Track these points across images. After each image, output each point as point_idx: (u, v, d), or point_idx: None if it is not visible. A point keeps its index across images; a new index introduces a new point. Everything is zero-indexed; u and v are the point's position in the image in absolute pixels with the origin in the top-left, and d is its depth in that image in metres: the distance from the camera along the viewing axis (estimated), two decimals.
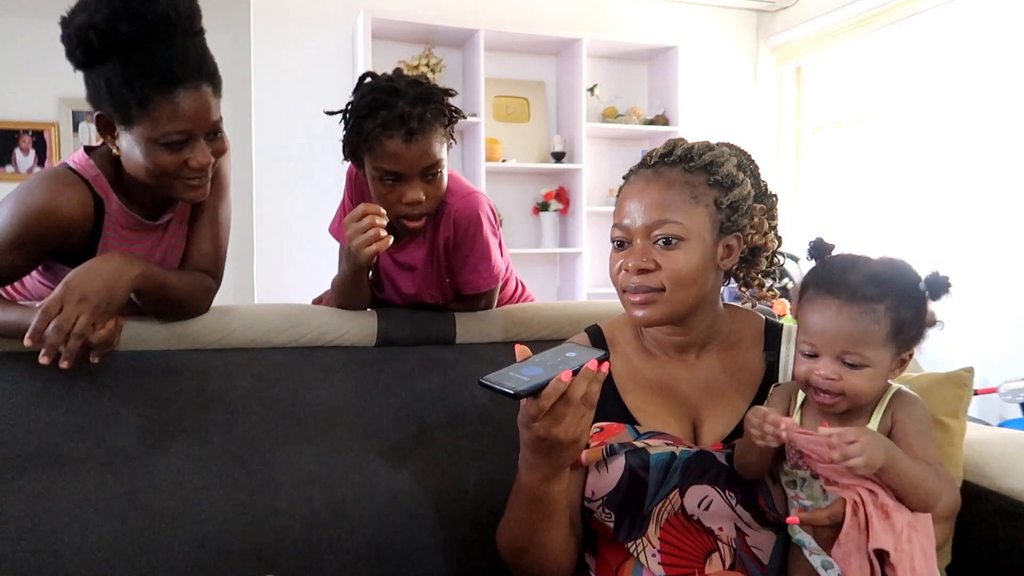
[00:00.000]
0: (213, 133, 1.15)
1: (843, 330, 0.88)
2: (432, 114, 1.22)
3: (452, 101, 1.29)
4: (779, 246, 1.12)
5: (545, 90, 3.94)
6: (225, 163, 1.29)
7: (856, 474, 0.85)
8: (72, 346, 1.02)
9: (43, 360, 1.03)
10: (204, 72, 1.10)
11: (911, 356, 0.92)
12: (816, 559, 0.90)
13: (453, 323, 1.39)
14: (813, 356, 0.91)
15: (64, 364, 1.03)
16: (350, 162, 1.34)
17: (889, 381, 0.93)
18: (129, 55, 1.05)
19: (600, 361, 0.85)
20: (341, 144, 1.30)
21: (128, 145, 1.12)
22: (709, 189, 1.01)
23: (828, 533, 0.88)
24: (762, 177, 1.10)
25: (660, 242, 0.99)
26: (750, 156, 1.10)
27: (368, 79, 1.29)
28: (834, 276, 0.91)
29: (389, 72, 1.30)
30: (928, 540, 0.87)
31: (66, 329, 1.02)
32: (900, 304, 0.88)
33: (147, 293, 1.16)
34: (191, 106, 1.08)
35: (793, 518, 0.89)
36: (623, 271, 1.02)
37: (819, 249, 0.98)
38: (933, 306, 0.91)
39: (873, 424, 0.91)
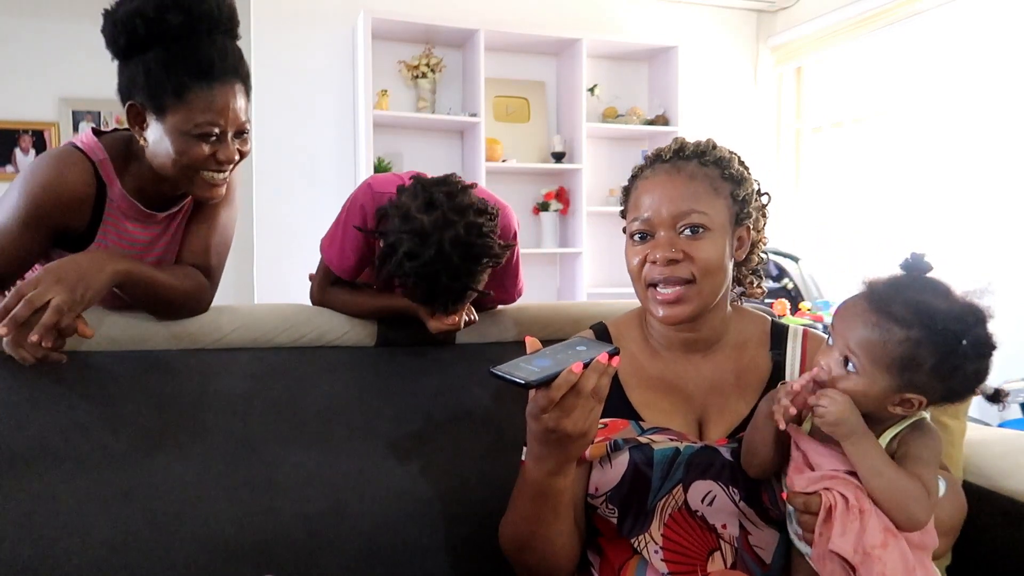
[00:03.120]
0: (241, 133, 1.18)
1: (852, 327, 0.87)
2: (477, 277, 1.18)
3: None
4: (766, 243, 1.15)
5: (545, 90, 3.94)
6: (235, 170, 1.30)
7: (825, 431, 0.86)
8: (47, 321, 1.00)
9: (0, 331, 1.00)
10: (240, 73, 1.15)
11: (922, 404, 0.86)
12: None
13: None
14: (829, 350, 0.90)
15: (33, 337, 1.00)
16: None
17: (923, 414, 0.90)
18: (172, 45, 1.09)
19: (611, 355, 0.85)
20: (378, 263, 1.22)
21: (157, 136, 1.14)
22: (724, 182, 1.03)
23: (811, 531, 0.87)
24: (754, 177, 1.12)
25: (687, 232, 0.99)
26: (743, 159, 1.12)
27: (410, 230, 1.13)
28: (886, 288, 0.87)
29: (418, 190, 1.17)
30: (918, 549, 0.85)
31: (36, 305, 1.00)
32: (923, 342, 0.83)
33: (134, 290, 1.16)
34: (226, 101, 1.12)
35: (784, 493, 0.90)
36: (648, 263, 1.01)
37: (915, 266, 0.90)
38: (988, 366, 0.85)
39: (880, 443, 0.88)
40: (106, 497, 1.07)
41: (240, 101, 1.15)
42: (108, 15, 1.10)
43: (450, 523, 1.18)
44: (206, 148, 1.13)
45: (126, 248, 1.24)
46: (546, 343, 0.89)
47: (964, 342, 0.83)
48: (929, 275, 0.89)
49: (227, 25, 1.13)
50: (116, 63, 1.14)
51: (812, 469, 0.89)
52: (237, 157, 1.18)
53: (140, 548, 1.05)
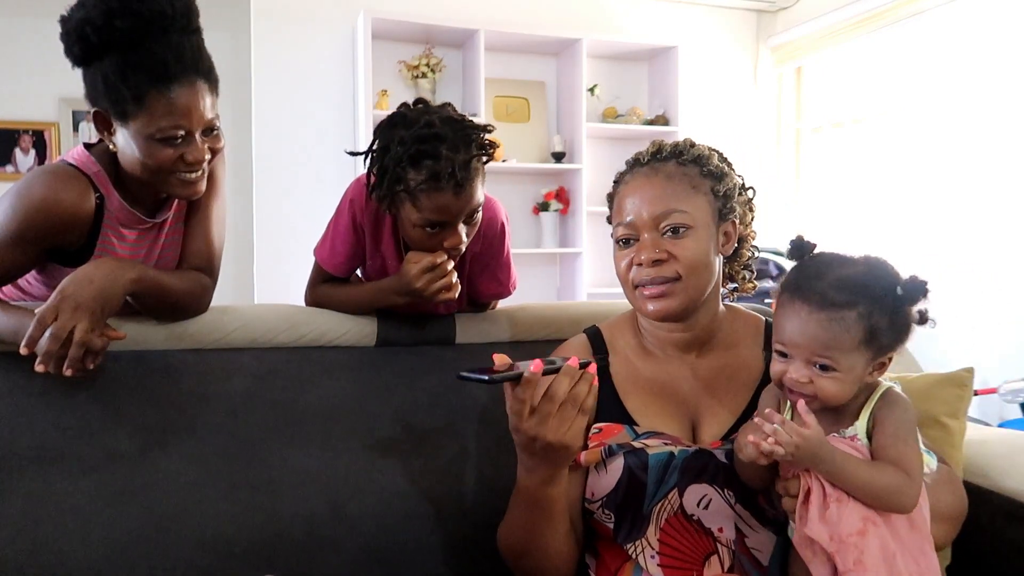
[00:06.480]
0: (209, 130, 1.16)
1: (812, 336, 0.88)
2: (476, 159, 1.17)
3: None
4: (755, 238, 1.15)
5: (545, 90, 3.94)
6: (219, 164, 1.29)
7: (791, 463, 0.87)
8: (75, 354, 1.02)
9: (39, 368, 1.03)
10: (200, 69, 1.11)
11: (891, 359, 0.91)
12: None
13: (453, 323, 1.39)
14: (785, 357, 0.92)
15: (68, 372, 1.03)
16: (384, 207, 1.21)
17: (881, 379, 0.93)
18: (125, 51, 1.06)
19: (583, 364, 0.86)
20: (372, 191, 1.20)
21: (124, 141, 1.13)
22: (703, 179, 1.04)
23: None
24: (737, 172, 1.12)
25: (669, 232, 1.00)
26: (724, 155, 1.12)
27: (400, 124, 1.17)
28: (805, 280, 0.91)
29: (410, 102, 1.22)
30: (901, 536, 0.85)
31: (62, 338, 1.02)
32: (872, 311, 0.88)
33: (144, 297, 1.16)
34: (185, 102, 1.10)
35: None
36: (635, 266, 1.02)
37: (799, 249, 0.97)
38: (926, 304, 0.90)
39: (861, 423, 0.91)
40: (106, 497, 1.07)
41: (203, 99, 1.12)
42: (62, 23, 1.08)
43: (450, 523, 1.18)
44: (173, 151, 1.12)
45: (127, 256, 1.24)
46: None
47: (899, 289, 0.88)
48: (817, 252, 0.96)
49: (182, 22, 1.10)
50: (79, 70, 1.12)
51: None
52: (208, 156, 1.16)
53: (140, 548, 1.05)
